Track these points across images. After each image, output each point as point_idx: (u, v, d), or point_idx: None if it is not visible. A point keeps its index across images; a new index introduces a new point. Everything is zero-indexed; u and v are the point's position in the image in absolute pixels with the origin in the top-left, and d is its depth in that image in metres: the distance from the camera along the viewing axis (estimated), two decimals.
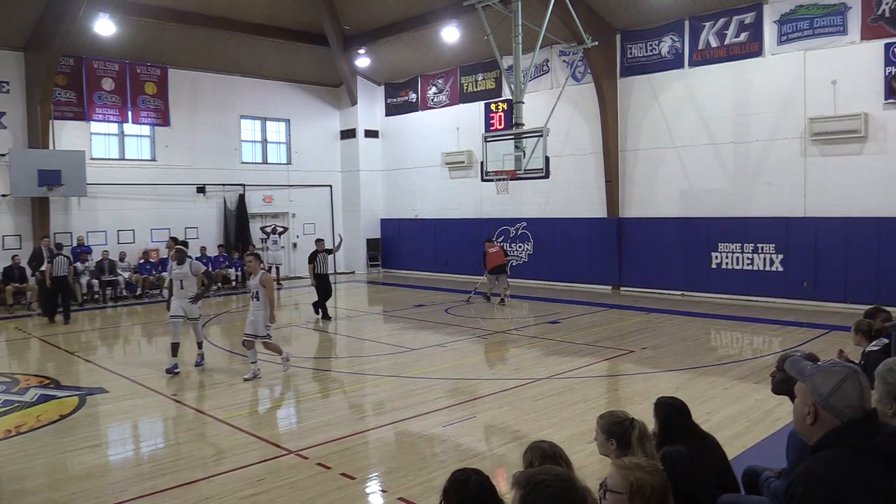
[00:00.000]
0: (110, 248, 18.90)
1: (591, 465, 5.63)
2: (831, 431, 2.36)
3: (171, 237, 17.00)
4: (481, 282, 17.51)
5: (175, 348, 10.06)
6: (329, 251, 15.37)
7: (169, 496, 5.65)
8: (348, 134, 24.21)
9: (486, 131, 15.83)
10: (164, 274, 15.19)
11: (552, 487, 2.38)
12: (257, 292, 9.73)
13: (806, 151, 14.68)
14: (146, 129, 20.28)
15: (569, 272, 18.98)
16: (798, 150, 14.78)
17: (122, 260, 18.92)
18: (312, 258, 14.92)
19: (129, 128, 19.95)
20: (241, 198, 21.71)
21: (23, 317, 16.13)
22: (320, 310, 15.01)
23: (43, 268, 15.41)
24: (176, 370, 9.88)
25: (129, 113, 19.60)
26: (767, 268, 15.30)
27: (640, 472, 2.55)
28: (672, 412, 4.10)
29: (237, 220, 21.57)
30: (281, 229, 22.01)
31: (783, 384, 4.25)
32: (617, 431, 3.61)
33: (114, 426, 7.94)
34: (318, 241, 15.48)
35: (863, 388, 2.39)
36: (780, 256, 15.11)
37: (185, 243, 16.51)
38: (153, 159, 20.33)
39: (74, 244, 18.12)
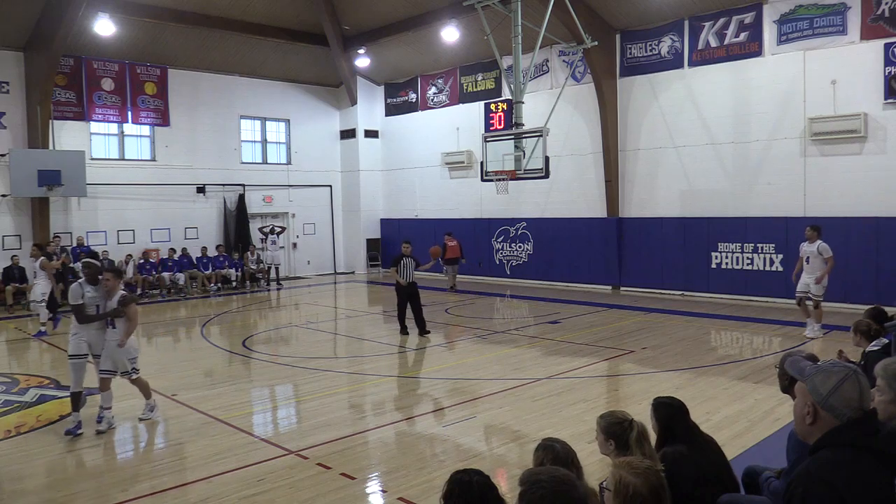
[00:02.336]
0: (110, 248, 18.89)
1: (591, 464, 5.63)
2: (831, 431, 2.36)
3: (34, 244, 15.13)
4: (448, 272, 19.42)
5: (77, 399, 7.54)
6: (417, 263, 12.96)
7: (169, 496, 5.65)
8: (348, 134, 24.21)
9: (486, 131, 15.80)
10: (36, 289, 12.64)
11: (546, 489, 2.40)
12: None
13: (806, 151, 14.68)
14: (146, 129, 20.29)
15: (569, 272, 18.98)
16: (798, 150, 14.78)
17: (127, 262, 18.86)
18: (396, 262, 12.72)
19: (128, 128, 19.95)
20: (241, 198, 21.71)
21: (23, 317, 16.13)
22: (418, 326, 12.65)
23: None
24: (78, 431, 7.32)
25: (129, 113, 19.61)
26: (767, 268, 15.30)
27: (625, 472, 2.60)
28: (671, 411, 4.10)
29: (237, 221, 21.57)
30: (279, 229, 22.01)
31: (793, 384, 4.24)
32: (616, 432, 3.63)
33: (114, 426, 7.93)
34: (405, 245, 13.03)
35: (862, 389, 2.39)
36: (780, 256, 15.11)
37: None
38: (153, 159, 20.34)
39: (74, 244, 18.11)
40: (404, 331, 12.66)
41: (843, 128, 13.90)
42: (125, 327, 7.55)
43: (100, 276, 7.61)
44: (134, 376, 7.74)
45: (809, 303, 11.86)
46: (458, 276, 19.78)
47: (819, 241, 11.68)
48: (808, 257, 11.79)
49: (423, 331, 12.58)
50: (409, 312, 12.68)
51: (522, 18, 14.53)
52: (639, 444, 3.54)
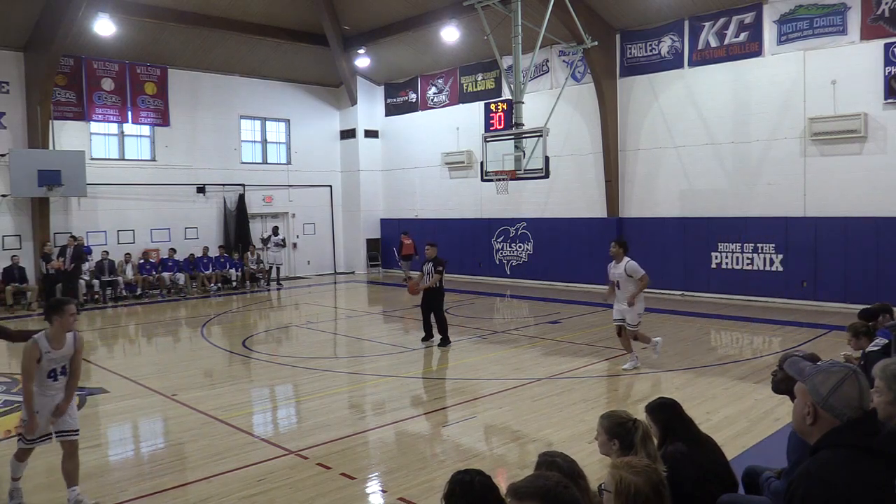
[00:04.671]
0: (110, 248, 18.90)
1: (591, 464, 5.62)
2: (831, 431, 2.36)
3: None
4: (403, 266, 21.48)
5: None
6: (438, 265, 11.74)
7: (169, 496, 5.65)
8: (348, 134, 24.21)
9: (486, 131, 15.80)
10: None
11: (568, 489, 2.35)
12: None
13: (806, 151, 14.68)
14: (146, 129, 20.28)
15: (569, 272, 18.97)
16: (798, 150, 14.78)
17: (127, 262, 18.90)
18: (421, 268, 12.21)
19: (128, 128, 19.95)
20: (241, 198, 21.70)
21: (23, 317, 16.12)
22: (440, 333, 11.77)
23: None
24: None
25: (129, 113, 19.59)
26: (767, 268, 15.30)
27: (625, 472, 2.58)
28: (671, 412, 4.10)
29: (237, 221, 21.56)
30: (277, 237, 21.78)
31: (783, 383, 4.26)
32: (620, 433, 3.60)
33: (114, 426, 7.93)
34: (429, 247, 12.17)
35: (862, 389, 2.39)
36: (780, 256, 15.11)
37: None
38: (153, 159, 20.33)
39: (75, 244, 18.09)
40: (427, 337, 11.88)
41: (843, 128, 13.90)
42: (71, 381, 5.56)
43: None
44: (75, 438, 5.48)
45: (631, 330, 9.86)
46: (455, 276, 19.80)
47: (626, 261, 9.70)
48: (617, 281, 9.80)
49: (442, 340, 11.67)
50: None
51: (522, 18, 14.53)
52: (643, 443, 3.53)
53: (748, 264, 15.59)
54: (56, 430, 5.39)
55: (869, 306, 7.21)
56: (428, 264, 11.86)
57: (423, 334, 12.06)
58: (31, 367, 5.27)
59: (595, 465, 5.55)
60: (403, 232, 21.94)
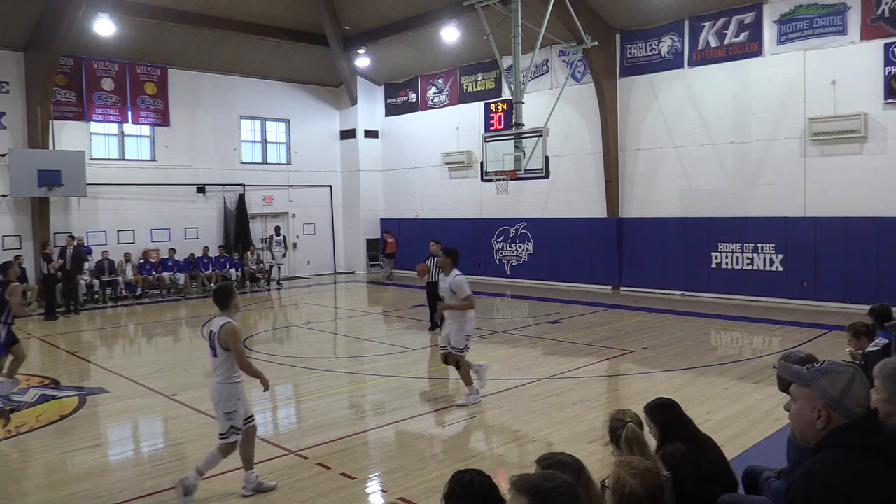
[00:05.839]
0: (110, 248, 18.89)
1: (591, 465, 5.62)
2: (833, 431, 2.35)
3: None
4: (386, 264, 23.10)
5: None
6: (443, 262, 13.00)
7: (169, 496, 5.65)
8: (348, 134, 24.21)
9: (486, 131, 15.79)
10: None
11: (565, 496, 2.34)
12: None
13: (806, 151, 14.68)
14: (146, 129, 20.28)
15: (569, 272, 18.97)
16: (798, 150, 14.78)
17: (127, 262, 18.91)
18: (424, 261, 13.07)
19: (128, 128, 19.94)
20: (241, 198, 21.70)
21: (23, 317, 16.09)
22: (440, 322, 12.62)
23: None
24: None
25: (129, 113, 19.59)
26: (767, 268, 15.30)
27: (624, 471, 2.62)
28: (671, 412, 4.10)
29: (237, 221, 21.56)
30: (278, 237, 21.84)
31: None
32: (614, 428, 3.71)
33: (114, 426, 7.94)
34: (433, 244, 12.83)
35: (867, 386, 2.40)
36: (780, 256, 15.11)
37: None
38: (153, 159, 20.33)
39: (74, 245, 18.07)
40: (433, 326, 12.91)
41: (843, 128, 13.90)
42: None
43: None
44: (229, 440, 5.59)
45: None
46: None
47: (455, 274, 8.18)
48: (444, 296, 8.35)
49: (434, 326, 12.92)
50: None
51: (522, 18, 14.54)
52: (628, 445, 3.54)
53: (748, 264, 15.59)
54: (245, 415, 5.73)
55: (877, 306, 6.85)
56: (434, 258, 12.54)
57: (430, 328, 13.07)
58: (241, 345, 5.76)
59: (596, 465, 5.55)
60: (385, 231, 23.37)
